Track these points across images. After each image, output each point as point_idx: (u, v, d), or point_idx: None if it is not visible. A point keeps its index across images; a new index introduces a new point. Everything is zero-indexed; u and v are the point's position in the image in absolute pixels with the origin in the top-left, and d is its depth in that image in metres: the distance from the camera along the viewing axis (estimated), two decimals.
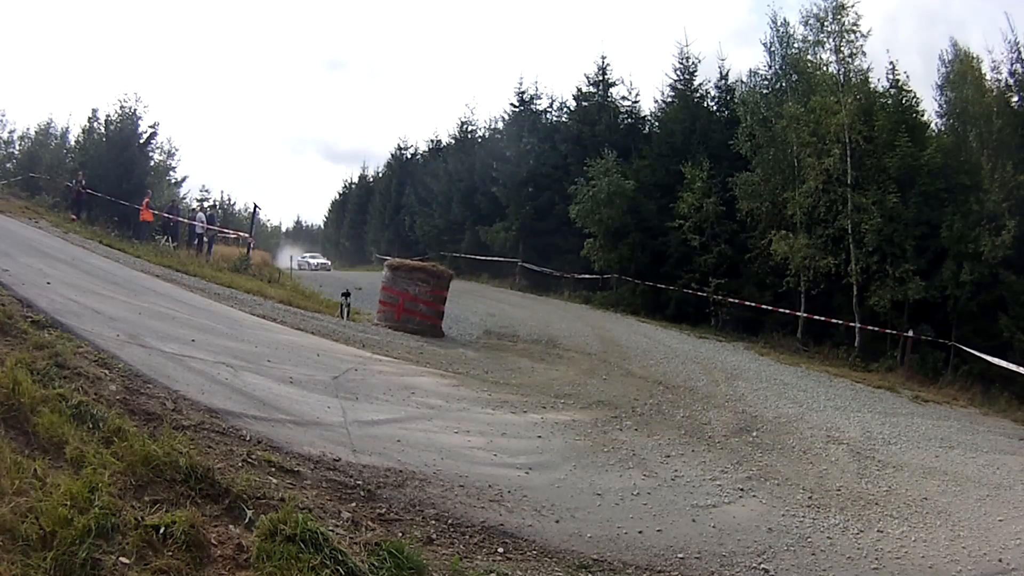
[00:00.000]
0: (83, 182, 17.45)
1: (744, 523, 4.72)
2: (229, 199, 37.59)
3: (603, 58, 22.18)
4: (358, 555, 2.88)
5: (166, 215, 17.99)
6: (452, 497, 4.18)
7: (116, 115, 19.22)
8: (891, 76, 14.46)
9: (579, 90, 21.62)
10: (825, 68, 14.52)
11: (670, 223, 16.52)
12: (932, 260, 12.62)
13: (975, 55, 13.18)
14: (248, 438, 4.14)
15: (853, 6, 13.91)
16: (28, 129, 24.33)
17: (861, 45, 14.10)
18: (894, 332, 12.71)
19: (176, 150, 25.43)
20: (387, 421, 5.42)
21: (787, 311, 14.31)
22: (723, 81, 18.54)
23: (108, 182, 17.95)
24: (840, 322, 13.42)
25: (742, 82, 17.45)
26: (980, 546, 4.80)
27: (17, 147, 23.73)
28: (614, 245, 17.60)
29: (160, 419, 3.86)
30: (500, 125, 24.69)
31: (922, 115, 14.21)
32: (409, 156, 31.93)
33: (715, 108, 18.64)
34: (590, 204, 17.45)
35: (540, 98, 23.23)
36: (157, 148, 20.89)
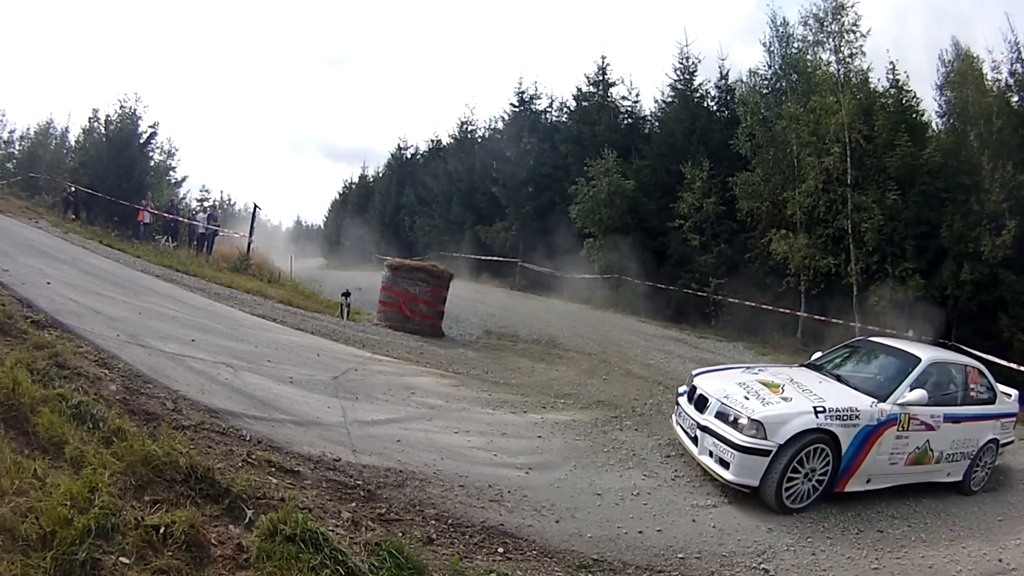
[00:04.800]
0: (72, 189, 17.62)
1: (744, 523, 4.72)
2: (229, 199, 37.51)
3: (603, 58, 22.17)
4: (358, 555, 2.88)
5: (166, 215, 17.99)
6: (452, 497, 4.18)
7: (116, 115, 19.30)
8: (891, 76, 14.48)
9: (579, 90, 21.60)
10: (825, 68, 14.52)
11: (670, 223, 16.52)
12: (932, 260, 12.60)
13: (975, 55, 13.17)
14: (248, 438, 4.14)
15: (853, 6, 13.93)
16: (28, 129, 24.53)
17: (861, 45, 14.10)
18: (894, 332, 12.70)
19: (176, 150, 25.63)
20: (387, 421, 5.42)
21: (787, 311, 14.29)
22: (723, 81, 18.50)
23: (108, 182, 17.99)
24: (840, 322, 13.41)
25: (742, 82, 17.40)
26: (980, 546, 4.81)
27: (17, 147, 23.88)
28: (614, 245, 17.60)
29: (160, 419, 3.87)
30: (500, 125, 24.66)
31: (922, 115, 14.20)
32: (409, 156, 31.87)
33: (715, 108, 18.59)
34: (590, 204, 17.45)
35: (540, 98, 23.23)
36: (157, 148, 21.02)
